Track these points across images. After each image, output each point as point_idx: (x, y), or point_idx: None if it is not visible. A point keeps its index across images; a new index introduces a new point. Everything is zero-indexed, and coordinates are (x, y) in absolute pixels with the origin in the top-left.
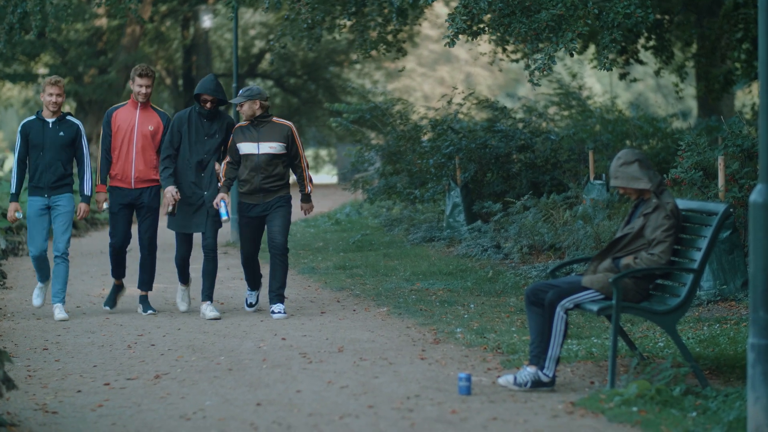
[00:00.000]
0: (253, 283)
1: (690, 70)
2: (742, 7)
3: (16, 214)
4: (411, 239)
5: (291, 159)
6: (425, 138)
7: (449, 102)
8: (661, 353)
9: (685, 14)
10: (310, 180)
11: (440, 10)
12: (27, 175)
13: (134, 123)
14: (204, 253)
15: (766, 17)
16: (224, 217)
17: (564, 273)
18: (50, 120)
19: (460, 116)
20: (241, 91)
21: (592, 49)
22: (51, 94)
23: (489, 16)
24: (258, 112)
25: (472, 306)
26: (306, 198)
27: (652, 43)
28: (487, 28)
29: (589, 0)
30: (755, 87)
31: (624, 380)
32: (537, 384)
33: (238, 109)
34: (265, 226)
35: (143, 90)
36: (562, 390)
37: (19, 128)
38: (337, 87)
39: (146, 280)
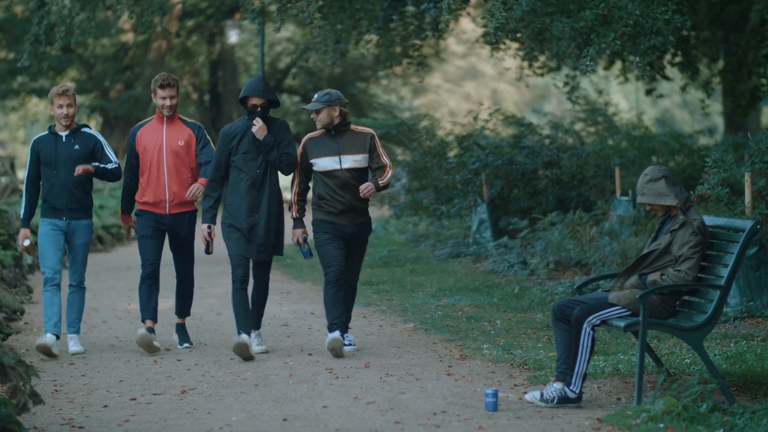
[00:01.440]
0: (340, 320)
1: (716, 86)
2: None
3: (25, 242)
4: (437, 255)
5: (374, 169)
6: (451, 154)
7: (475, 118)
8: (687, 370)
9: (711, 30)
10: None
11: (466, 25)
12: (40, 199)
13: (162, 140)
14: (255, 284)
15: None
16: (308, 257)
17: (590, 289)
18: (63, 134)
19: (487, 132)
20: (317, 96)
21: (618, 65)
22: (61, 106)
23: (525, 12)
24: (337, 120)
25: (498, 322)
26: (376, 183)
27: (678, 59)
28: (525, 28)
29: (629, 3)
30: None
31: (651, 397)
32: (564, 400)
33: (313, 116)
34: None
35: (167, 102)
36: (589, 406)
37: (30, 145)
38: (363, 102)
39: (185, 305)
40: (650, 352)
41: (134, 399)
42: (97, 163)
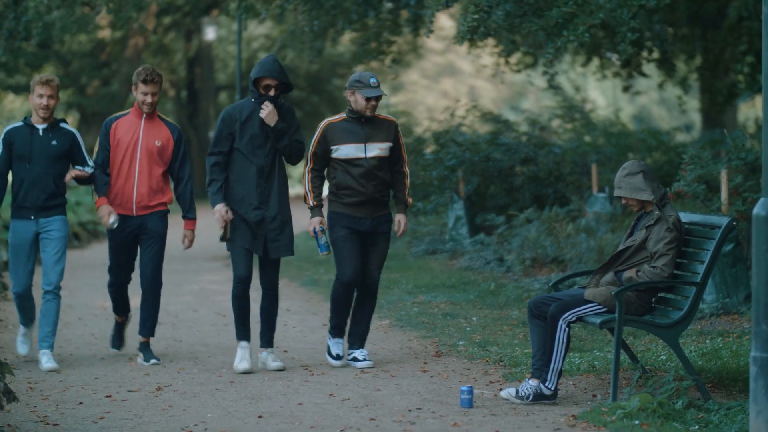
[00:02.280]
0: (343, 325)
1: (693, 83)
2: (745, 20)
3: None
4: (413, 252)
5: (392, 162)
6: (428, 150)
7: (452, 114)
8: (663, 366)
9: (689, 27)
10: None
11: (444, 22)
12: (10, 195)
13: (138, 136)
14: (264, 290)
15: None
16: (324, 251)
17: (566, 286)
18: (40, 126)
19: (464, 129)
20: (373, 80)
21: (596, 62)
22: (42, 96)
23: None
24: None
25: (474, 319)
26: (404, 209)
27: (655, 55)
28: (496, 30)
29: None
30: (758, 100)
31: (626, 393)
32: (539, 397)
33: (364, 104)
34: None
35: (149, 99)
36: (564, 403)
37: (2, 135)
38: (340, 99)
39: (148, 324)
40: (626, 348)
41: (109, 396)
42: (90, 169)
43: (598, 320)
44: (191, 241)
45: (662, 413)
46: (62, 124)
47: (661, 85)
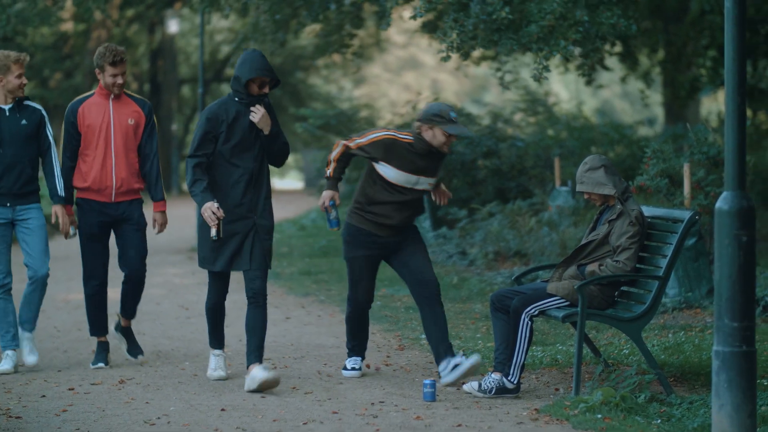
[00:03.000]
0: (362, 345)
1: (656, 77)
2: (707, 14)
3: None
4: None
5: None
6: None
7: (414, 108)
8: (626, 360)
9: (651, 21)
10: None
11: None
12: None
13: (109, 117)
14: (249, 301)
15: (732, 24)
16: (334, 227)
17: (529, 280)
18: (6, 107)
19: None
20: (453, 114)
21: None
22: (20, 75)
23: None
24: None
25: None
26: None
27: (618, 49)
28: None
29: (577, 10)
30: (721, 94)
31: (589, 387)
32: (502, 391)
33: (445, 142)
34: (394, 261)
35: (119, 80)
36: (527, 397)
37: None
38: (303, 93)
39: (131, 305)
40: (588, 342)
41: (72, 389)
42: (62, 195)
43: (560, 314)
44: (162, 225)
45: (625, 407)
46: (27, 102)
47: (623, 79)
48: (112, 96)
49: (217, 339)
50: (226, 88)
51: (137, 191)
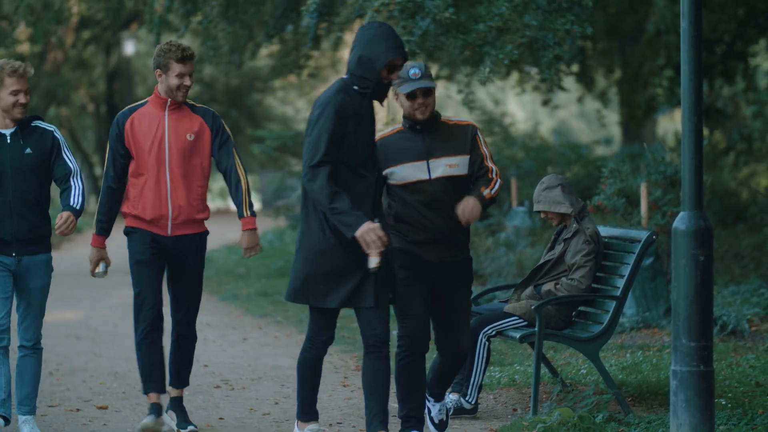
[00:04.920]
0: (442, 393)
1: (613, 97)
2: (663, 34)
3: None
4: None
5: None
6: None
7: None
8: (584, 380)
9: (607, 41)
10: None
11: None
12: None
13: (164, 132)
14: (369, 350)
15: (688, 45)
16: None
17: (486, 300)
18: (7, 132)
19: None
20: (415, 70)
21: (515, 76)
22: (17, 92)
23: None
24: (431, 109)
25: (395, 333)
26: (479, 194)
27: (574, 69)
28: (419, 50)
29: (525, 15)
30: (677, 114)
31: (546, 407)
32: (459, 411)
33: (409, 104)
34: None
35: (186, 81)
36: (485, 417)
37: None
38: (259, 114)
39: (182, 370)
40: (546, 362)
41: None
42: (75, 206)
43: (518, 334)
44: (251, 249)
45: (582, 427)
46: (36, 123)
47: (580, 99)
48: (169, 104)
49: (311, 406)
50: None
51: (200, 222)
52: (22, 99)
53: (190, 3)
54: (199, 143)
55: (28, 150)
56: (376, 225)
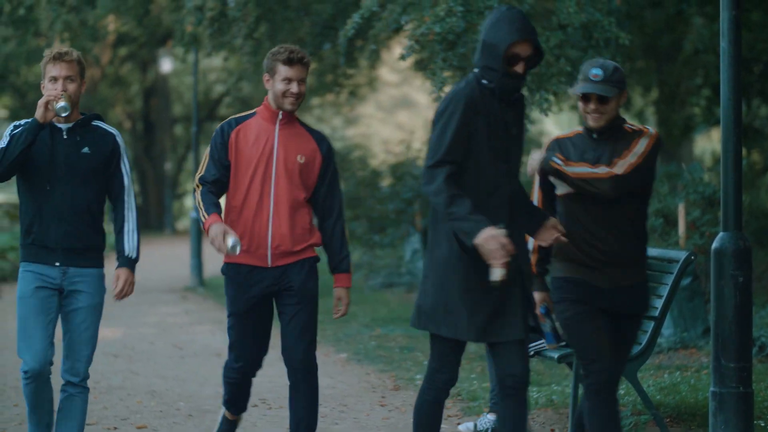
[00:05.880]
0: None
1: (650, 116)
2: (701, 53)
3: None
4: (370, 285)
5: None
6: (384, 183)
7: (408, 147)
8: (621, 401)
9: (644, 60)
10: None
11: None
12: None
13: (272, 147)
14: (507, 392)
15: (728, 65)
16: (551, 343)
17: None
18: (63, 126)
19: (419, 162)
20: (595, 71)
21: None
22: (55, 78)
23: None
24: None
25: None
26: None
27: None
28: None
29: (561, 57)
30: (714, 133)
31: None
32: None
33: (583, 109)
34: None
35: (294, 87)
36: None
37: (7, 132)
38: None
39: (309, 419)
40: None
41: None
42: (131, 255)
43: (556, 354)
44: (346, 307)
45: None
46: (97, 123)
47: None
48: (281, 119)
49: None
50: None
51: (303, 251)
52: (58, 89)
53: (217, 22)
54: (307, 167)
55: (86, 149)
56: (500, 231)
